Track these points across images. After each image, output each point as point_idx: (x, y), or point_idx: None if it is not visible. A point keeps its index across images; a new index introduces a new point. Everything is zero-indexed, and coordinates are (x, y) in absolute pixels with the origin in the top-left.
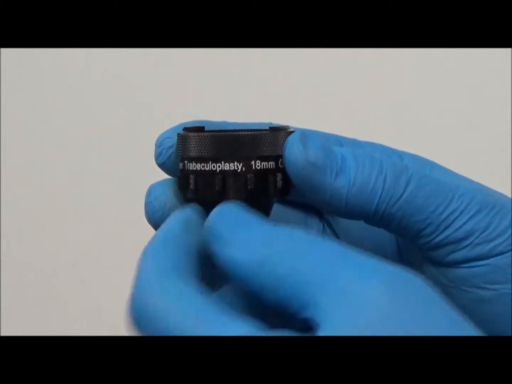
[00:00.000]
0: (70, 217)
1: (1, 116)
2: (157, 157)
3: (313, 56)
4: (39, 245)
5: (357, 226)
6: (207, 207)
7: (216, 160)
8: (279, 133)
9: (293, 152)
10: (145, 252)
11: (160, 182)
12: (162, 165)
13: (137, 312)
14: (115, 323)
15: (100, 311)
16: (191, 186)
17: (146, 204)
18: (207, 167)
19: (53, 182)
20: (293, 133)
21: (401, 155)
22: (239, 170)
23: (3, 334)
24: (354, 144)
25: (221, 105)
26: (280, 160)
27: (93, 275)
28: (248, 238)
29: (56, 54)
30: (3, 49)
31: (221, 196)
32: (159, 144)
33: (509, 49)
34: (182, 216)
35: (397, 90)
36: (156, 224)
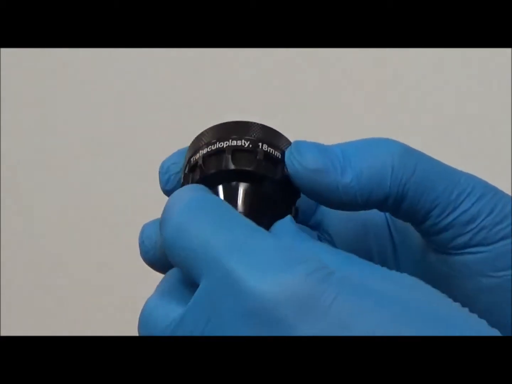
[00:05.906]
0: (70, 217)
1: (1, 117)
2: (165, 183)
3: (312, 56)
4: (40, 245)
5: (351, 229)
6: (212, 185)
7: (223, 139)
8: (283, 137)
9: (293, 164)
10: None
11: (151, 222)
12: (170, 192)
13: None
14: (115, 323)
15: (100, 311)
16: (199, 164)
17: (140, 244)
18: (214, 146)
19: (54, 182)
20: (289, 146)
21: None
22: (246, 146)
23: (3, 334)
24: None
25: (219, 106)
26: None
27: (93, 275)
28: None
29: (56, 54)
30: (3, 49)
31: (230, 165)
32: (165, 171)
33: (509, 49)
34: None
35: (396, 90)
36: (150, 263)
